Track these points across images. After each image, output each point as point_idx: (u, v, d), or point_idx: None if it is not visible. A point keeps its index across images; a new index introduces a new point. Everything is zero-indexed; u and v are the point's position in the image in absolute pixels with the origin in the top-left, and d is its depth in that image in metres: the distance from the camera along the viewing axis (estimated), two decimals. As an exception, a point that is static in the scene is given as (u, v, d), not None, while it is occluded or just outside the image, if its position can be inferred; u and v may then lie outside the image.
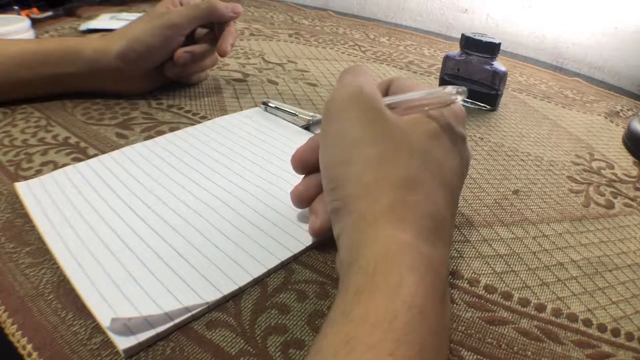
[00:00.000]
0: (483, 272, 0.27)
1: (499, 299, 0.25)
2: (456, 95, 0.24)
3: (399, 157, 0.22)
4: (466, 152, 0.25)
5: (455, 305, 0.24)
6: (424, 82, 0.56)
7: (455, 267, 0.27)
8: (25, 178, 0.31)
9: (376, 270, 0.18)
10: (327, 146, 0.24)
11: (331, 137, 0.24)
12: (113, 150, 0.35)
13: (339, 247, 0.22)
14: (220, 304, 0.23)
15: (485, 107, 0.49)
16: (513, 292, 0.26)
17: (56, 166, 0.33)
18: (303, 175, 0.28)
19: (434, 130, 0.24)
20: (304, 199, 0.28)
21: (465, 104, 0.49)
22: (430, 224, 0.21)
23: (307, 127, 0.40)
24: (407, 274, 0.18)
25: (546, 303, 0.25)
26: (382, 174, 0.21)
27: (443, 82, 0.51)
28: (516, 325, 0.24)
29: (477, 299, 0.25)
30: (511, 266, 0.27)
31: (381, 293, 0.17)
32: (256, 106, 0.45)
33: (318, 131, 0.29)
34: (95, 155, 0.35)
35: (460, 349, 0.22)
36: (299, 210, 0.29)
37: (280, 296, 0.24)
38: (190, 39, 0.45)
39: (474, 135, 0.43)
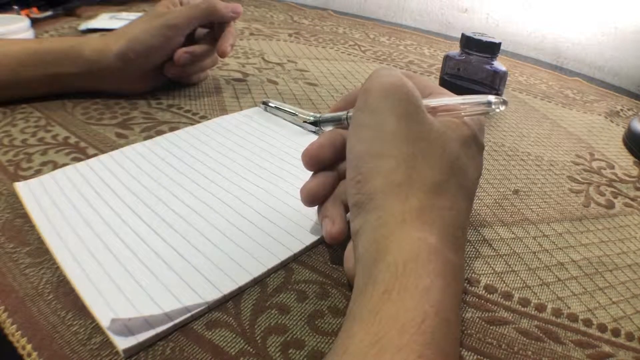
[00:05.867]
0: (483, 272, 0.27)
1: (499, 299, 0.25)
2: (498, 105, 0.23)
3: (432, 159, 0.21)
4: (481, 163, 0.25)
5: (455, 305, 0.24)
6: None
7: (455, 267, 0.27)
8: (25, 178, 0.31)
9: (405, 271, 0.18)
10: (359, 136, 0.23)
11: (366, 126, 0.23)
12: (113, 150, 0.35)
13: (357, 242, 0.21)
14: (220, 304, 0.23)
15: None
16: (513, 292, 0.26)
17: (56, 166, 0.33)
18: (304, 174, 0.28)
19: (466, 136, 0.23)
20: (316, 198, 0.27)
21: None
22: (454, 231, 0.21)
23: (313, 123, 0.39)
24: (436, 279, 0.18)
25: (546, 303, 0.25)
26: (415, 174, 0.21)
27: (443, 82, 0.51)
28: (516, 325, 0.24)
29: (477, 299, 0.25)
30: (511, 266, 0.27)
31: (410, 295, 0.17)
32: (256, 106, 0.45)
33: (328, 128, 0.29)
34: (95, 155, 0.35)
35: (461, 349, 0.22)
36: (299, 209, 0.29)
37: (280, 296, 0.24)
38: (190, 39, 0.45)
39: (474, 135, 0.43)
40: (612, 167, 0.40)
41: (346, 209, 0.26)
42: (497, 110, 0.23)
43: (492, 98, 0.23)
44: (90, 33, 0.64)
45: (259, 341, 0.21)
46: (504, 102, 0.23)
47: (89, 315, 0.22)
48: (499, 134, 0.44)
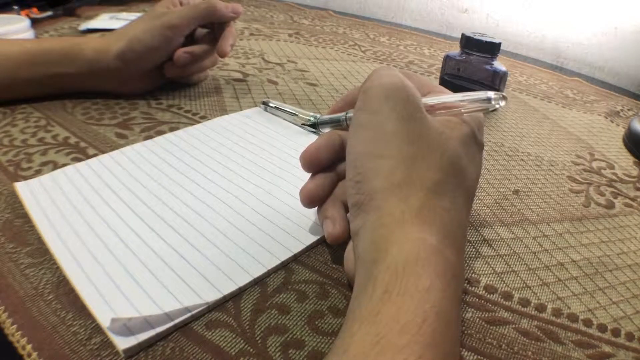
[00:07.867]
0: (483, 272, 0.27)
1: (499, 299, 0.25)
2: (498, 101, 0.23)
3: (432, 159, 0.21)
4: (481, 162, 0.25)
5: (455, 305, 0.24)
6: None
7: (455, 267, 0.27)
8: (25, 178, 0.31)
9: (405, 271, 0.18)
10: (359, 136, 0.23)
11: (366, 127, 0.23)
12: (113, 150, 0.35)
13: (357, 242, 0.21)
14: (220, 304, 0.23)
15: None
16: (513, 292, 0.26)
17: (56, 166, 0.33)
18: (304, 174, 0.28)
19: (466, 135, 0.23)
20: (315, 199, 0.27)
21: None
22: (453, 231, 0.21)
23: (312, 125, 0.39)
24: (437, 279, 0.18)
25: (546, 303, 0.25)
26: (415, 174, 0.21)
27: (443, 82, 0.51)
28: (516, 326, 0.24)
29: (477, 299, 0.25)
30: (511, 266, 0.27)
31: (410, 295, 0.17)
32: (256, 106, 0.45)
33: (326, 130, 0.29)
34: (95, 155, 0.35)
35: (461, 349, 0.22)
36: (299, 210, 0.29)
37: (280, 296, 0.24)
38: (190, 39, 0.45)
39: (474, 135, 0.43)
40: (612, 167, 0.40)
41: (346, 209, 0.26)
42: (497, 106, 0.23)
43: (491, 94, 0.23)
44: (90, 33, 0.64)
45: (259, 341, 0.21)
46: (504, 98, 0.23)
47: (89, 315, 0.22)
48: (499, 134, 0.44)
